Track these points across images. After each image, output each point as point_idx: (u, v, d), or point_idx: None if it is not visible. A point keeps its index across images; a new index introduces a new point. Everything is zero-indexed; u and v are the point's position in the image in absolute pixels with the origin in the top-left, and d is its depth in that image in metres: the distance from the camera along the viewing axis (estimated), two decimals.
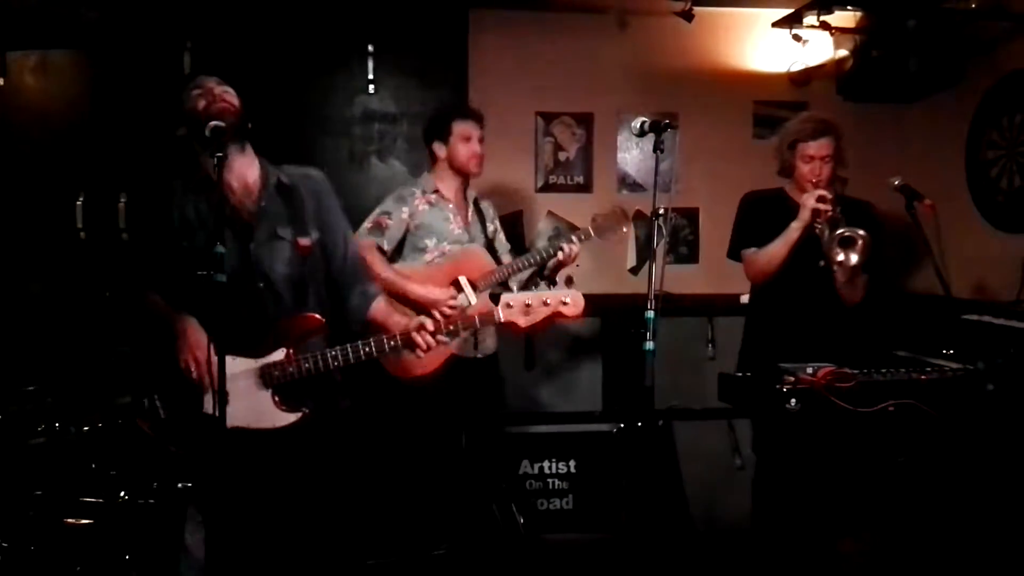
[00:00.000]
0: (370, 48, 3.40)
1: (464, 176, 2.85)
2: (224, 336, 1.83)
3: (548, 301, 2.00)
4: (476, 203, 2.92)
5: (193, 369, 1.96)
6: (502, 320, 2.01)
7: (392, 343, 2.03)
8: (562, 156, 3.79)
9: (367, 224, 2.76)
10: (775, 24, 3.63)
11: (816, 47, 3.62)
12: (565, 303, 2.00)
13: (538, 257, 2.77)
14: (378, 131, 3.44)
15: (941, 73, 3.45)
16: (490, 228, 2.95)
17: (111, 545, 2.13)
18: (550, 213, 3.79)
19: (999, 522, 2.38)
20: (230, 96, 2.00)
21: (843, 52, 3.62)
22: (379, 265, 2.68)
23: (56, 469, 2.25)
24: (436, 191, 2.82)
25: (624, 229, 2.84)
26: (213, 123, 1.83)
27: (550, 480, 3.36)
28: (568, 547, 3.26)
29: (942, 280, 2.48)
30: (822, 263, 2.56)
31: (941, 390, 2.25)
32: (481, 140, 2.80)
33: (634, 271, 3.81)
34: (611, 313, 3.44)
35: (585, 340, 3.58)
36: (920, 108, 3.78)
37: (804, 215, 2.54)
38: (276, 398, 2.00)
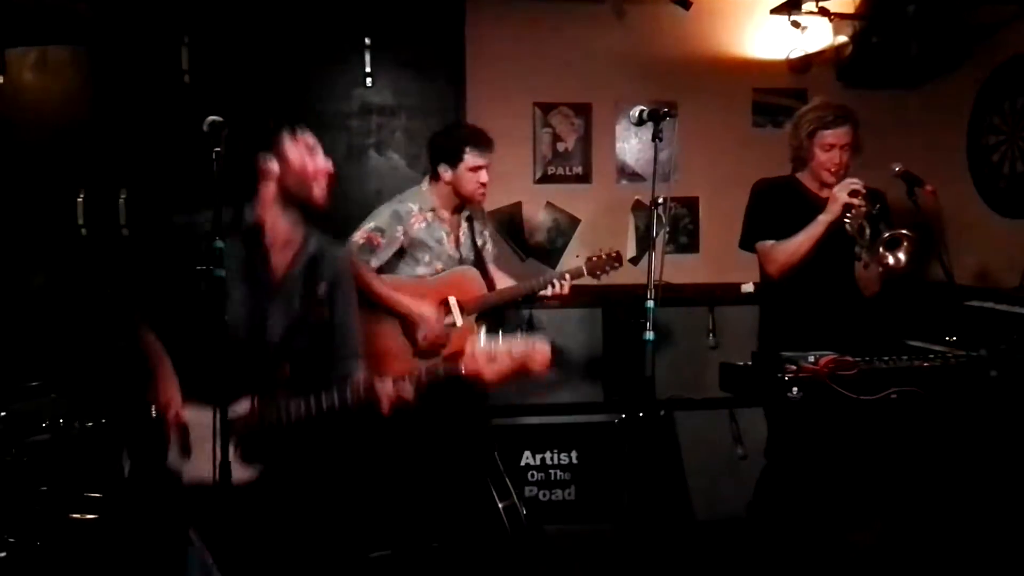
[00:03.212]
0: (367, 41, 3.38)
1: (466, 201, 2.82)
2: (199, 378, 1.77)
3: (515, 352, 1.94)
4: (468, 219, 2.90)
5: (157, 412, 1.89)
6: (468, 371, 1.94)
7: (354, 395, 1.94)
8: (560, 147, 3.78)
9: (358, 239, 2.71)
10: (773, 11, 3.61)
11: (815, 33, 3.60)
12: (532, 357, 1.94)
13: (530, 286, 2.79)
14: (376, 124, 3.43)
15: (941, 58, 3.44)
16: (479, 242, 2.92)
17: (116, 540, 2.14)
18: (549, 204, 3.78)
19: (1002, 509, 2.38)
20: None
21: (842, 38, 3.60)
22: (373, 280, 2.68)
23: (61, 464, 2.25)
24: (433, 210, 2.80)
25: (619, 266, 2.87)
26: (211, 118, 1.80)
27: (552, 471, 3.37)
28: (570, 538, 3.27)
29: (945, 267, 2.47)
30: (861, 258, 2.47)
31: (944, 377, 2.24)
32: (488, 167, 2.75)
33: (634, 261, 3.80)
34: (612, 304, 3.45)
35: (586, 330, 3.58)
36: (921, 94, 3.77)
37: (834, 208, 2.46)
38: (238, 451, 1.87)
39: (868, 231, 2.42)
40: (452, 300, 2.61)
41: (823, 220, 2.48)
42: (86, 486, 2.20)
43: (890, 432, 2.41)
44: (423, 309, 2.67)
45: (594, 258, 2.86)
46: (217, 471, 1.75)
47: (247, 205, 2.00)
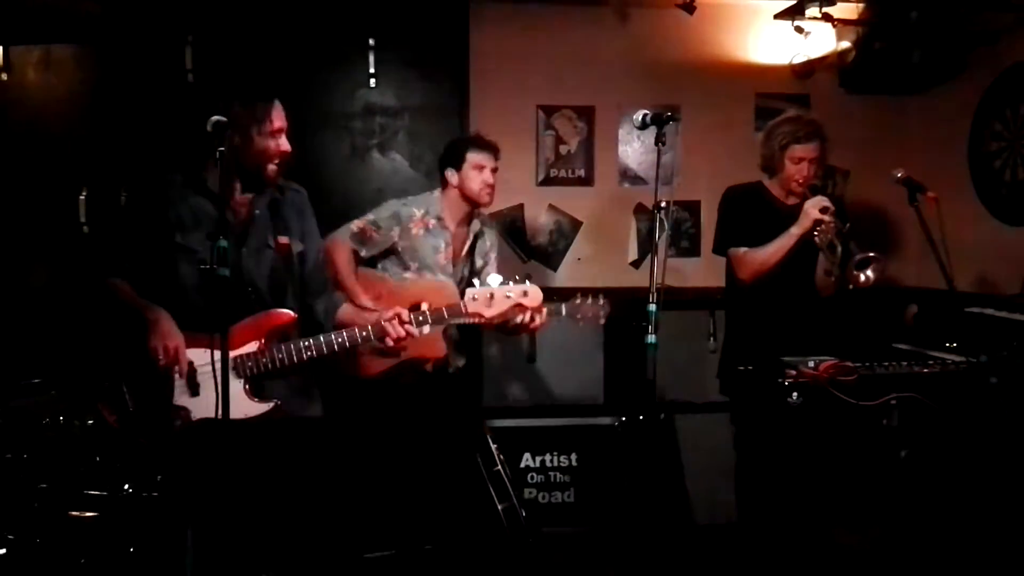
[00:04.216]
0: (371, 42, 3.39)
1: (473, 205, 2.83)
2: (217, 329, 1.85)
3: (510, 294, 2.17)
4: (477, 236, 2.89)
5: (162, 358, 1.99)
6: (468, 312, 2.16)
7: (364, 334, 2.11)
8: (563, 149, 3.78)
9: (353, 227, 2.76)
10: (777, 16, 3.62)
11: (818, 39, 3.60)
12: (526, 294, 2.18)
13: (502, 316, 2.60)
14: (379, 124, 3.44)
15: (944, 65, 3.44)
16: (478, 263, 2.91)
17: (115, 538, 2.14)
18: (551, 206, 3.78)
19: (1002, 516, 2.38)
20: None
21: (845, 44, 3.60)
22: (343, 271, 2.70)
23: (60, 462, 2.25)
24: (439, 218, 2.81)
25: (602, 321, 2.57)
26: (215, 118, 1.84)
27: (551, 473, 3.37)
28: (568, 540, 3.27)
29: (945, 273, 2.47)
30: (832, 273, 2.63)
31: (944, 383, 2.25)
32: (495, 171, 2.79)
33: (635, 264, 3.80)
34: (613, 306, 3.44)
35: (586, 333, 3.58)
36: (923, 100, 3.77)
37: (805, 223, 2.60)
38: (247, 388, 2.06)
39: (839, 248, 2.55)
40: (424, 306, 2.61)
41: (795, 233, 2.62)
42: (86, 484, 2.19)
43: (888, 437, 2.42)
44: (382, 314, 2.66)
45: (581, 304, 2.56)
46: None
47: (198, 167, 2.12)
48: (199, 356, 2.02)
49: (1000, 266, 3.31)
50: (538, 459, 3.37)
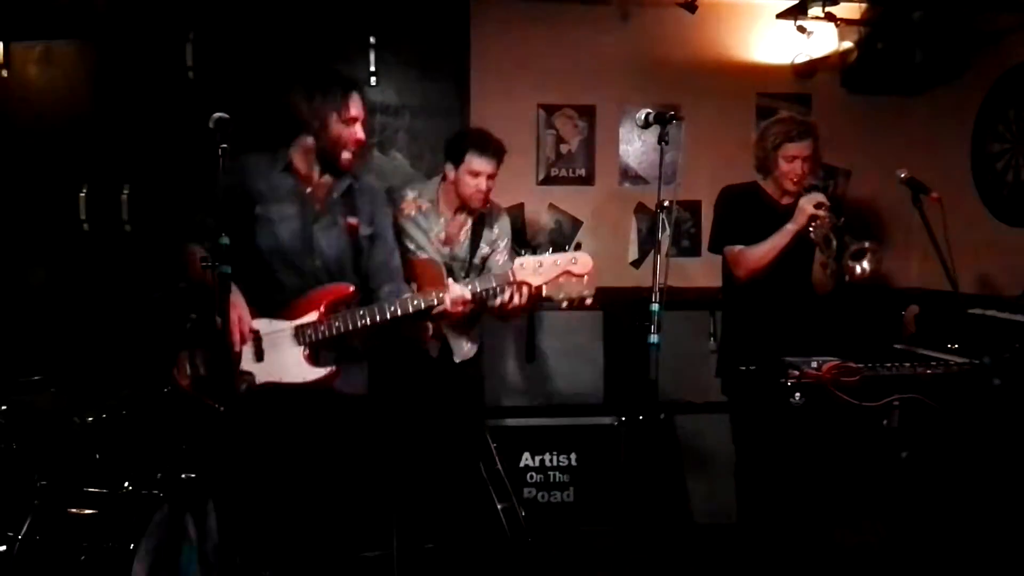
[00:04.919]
0: (372, 40, 3.38)
1: (467, 203, 2.79)
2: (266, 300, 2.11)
3: (558, 262, 2.15)
4: (478, 223, 2.85)
5: (229, 326, 2.03)
6: (516, 279, 2.17)
7: (416, 302, 2.18)
8: (564, 148, 3.78)
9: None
10: (779, 15, 3.61)
11: (821, 39, 3.60)
12: (574, 262, 2.15)
13: (486, 289, 2.40)
14: (379, 123, 3.43)
15: (946, 65, 3.43)
16: (484, 250, 2.87)
17: (115, 535, 2.14)
18: (551, 206, 3.78)
19: (1005, 518, 2.37)
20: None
21: (848, 44, 3.60)
22: None
23: (61, 459, 2.25)
24: (433, 202, 2.81)
25: (586, 295, 2.29)
26: (217, 115, 1.84)
27: (551, 473, 3.37)
28: (568, 540, 3.27)
29: (949, 274, 2.47)
30: (828, 267, 2.64)
31: (947, 385, 2.25)
32: (492, 176, 2.73)
33: (636, 264, 3.80)
34: (613, 306, 3.44)
35: (586, 333, 3.58)
36: (925, 100, 3.77)
37: (800, 219, 2.61)
38: (307, 354, 2.17)
39: (834, 242, 2.56)
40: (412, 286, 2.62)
41: (790, 230, 2.63)
42: (86, 481, 2.19)
43: (890, 439, 2.41)
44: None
45: (564, 283, 2.32)
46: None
47: (283, 148, 2.27)
48: (264, 325, 2.17)
49: (1002, 268, 3.31)
50: (537, 459, 3.37)
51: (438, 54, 3.45)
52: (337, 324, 2.17)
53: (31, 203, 3.22)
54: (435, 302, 2.18)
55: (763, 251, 2.67)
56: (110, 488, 2.17)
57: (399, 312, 2.17)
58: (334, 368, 2.19)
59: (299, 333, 2.18)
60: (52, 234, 3.23)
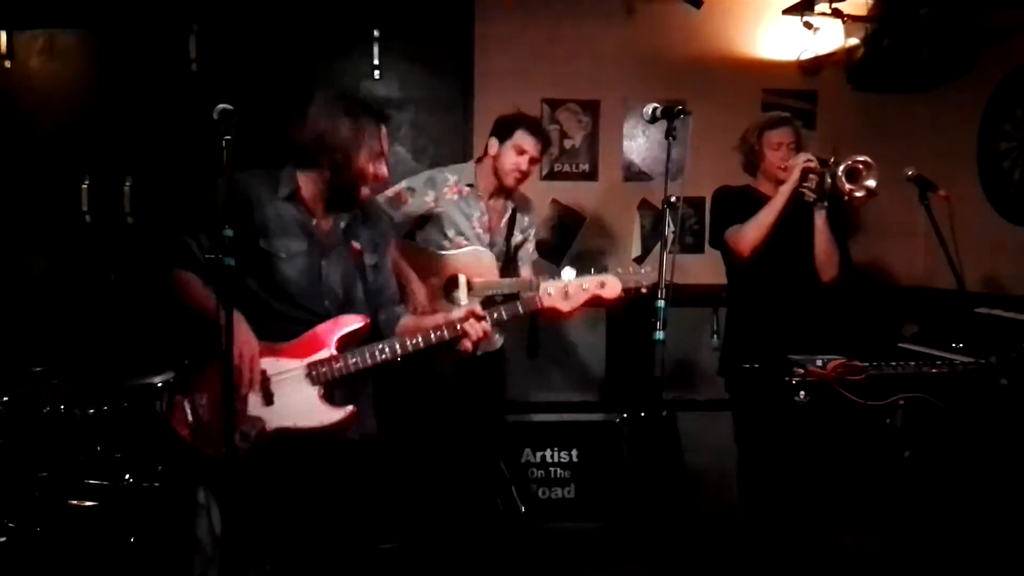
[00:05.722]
0: (376, 33, 3.37)
1: (500, 181, 2.79)
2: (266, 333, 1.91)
3: (585, 286, 2.11)
4: (514, 211, 2.87)
5: (238, 365, 1.88)
6: (544, 306, 2.09)
7: (439, 333, 2.02)
8: (568, 144, 3.76)
9: (389, 193, 2.73)
10: (786, 11, 3.59)
11: (827, 35, 3.58)
12: (602, 286, 2.11)
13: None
14: None
15: (953, 62, 3.42)
16: (517, 238, 2.90)
17: (115, 527, 2.14)
18: (554, 201, 3.77)
19: (1010, 518, 2.36)
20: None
21: (854, 40, 3.58)
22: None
23: (61, 451, 2.25)
24: (472, 185, 2.80)
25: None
26: (221, 106, 1.79)
27: (552, 469, 3.37)
28: (570, 536, 3.27)
29: (956, 273, 2.45)
30: (816, 202, 2.68)
31: (953, 384, 2.23)
32: (533, 161, 2.75)
33: (639, 260, 3.78)
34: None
35: (589, 329, 3.57)
36: (931, 98, 3.75)
37: (794, 176, 2.66)
38: (322, 393, 1.99)
39: (829, 182, 2.61)
40: (462, 278, 2.59)
41: (785, 190, 2.67)
42: (87, 473, 2.19)
43: (895, 438, 2.40)
44: (415, 286, 2.65)
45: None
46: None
47: (288, 166, 2.07)
48: (270, 365, 1.96)
49: (1007, 266, 3.29)
50: (539, 454, 3.37)
51: (442, 48, 3.44)
52: (354, 360, 1.99)
53: (33, 194, 3.22)
54: (447, 337, 2.03)
55: (761, 218, 2.68)
56: (111, 480, 2.16)
57: (421, 345, 2.02)
58: (352, 408, 2.00)
59: (312, 371, 1.98)
60: (54, 225, 3.23)
